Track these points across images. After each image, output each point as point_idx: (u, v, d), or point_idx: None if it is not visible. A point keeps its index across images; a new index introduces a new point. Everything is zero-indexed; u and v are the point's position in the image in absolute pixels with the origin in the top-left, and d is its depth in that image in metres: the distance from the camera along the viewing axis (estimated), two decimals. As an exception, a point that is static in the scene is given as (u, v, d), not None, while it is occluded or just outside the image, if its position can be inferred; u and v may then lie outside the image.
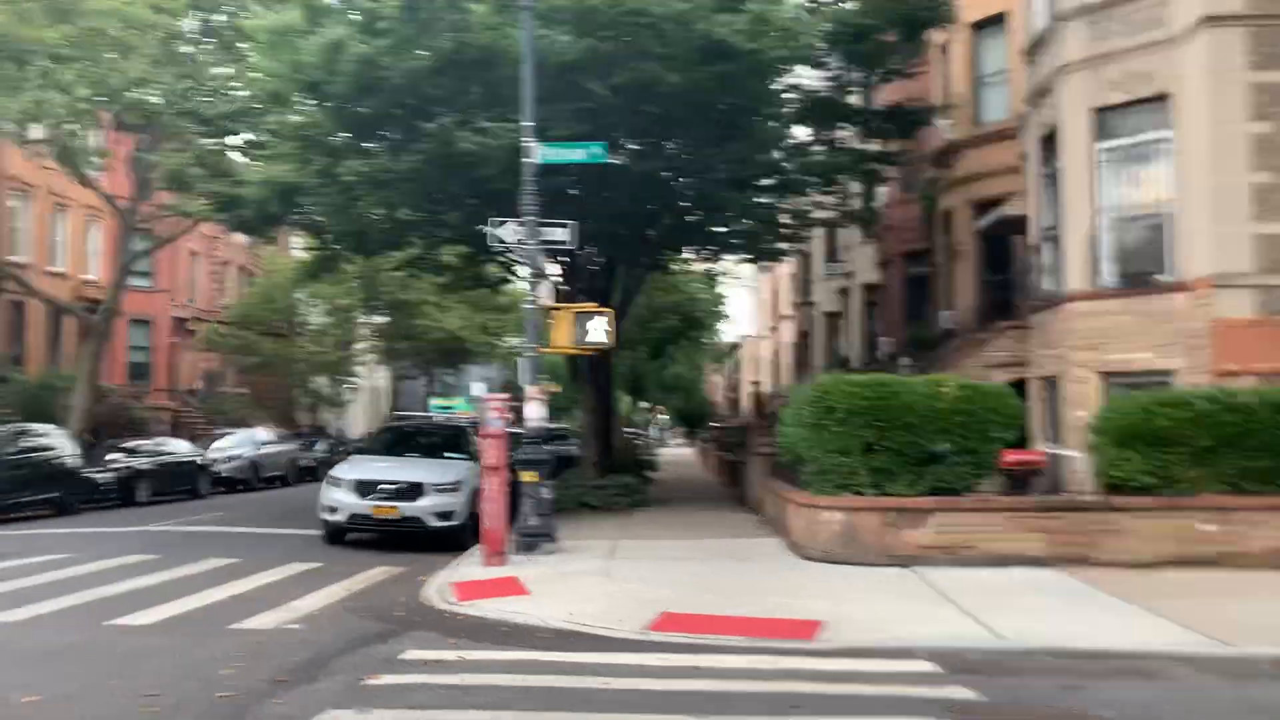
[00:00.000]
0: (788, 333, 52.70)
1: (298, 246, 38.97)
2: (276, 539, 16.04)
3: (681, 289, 42.93)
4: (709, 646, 7.98)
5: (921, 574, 10.94)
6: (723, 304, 50.22)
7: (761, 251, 21.84)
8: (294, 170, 16.77)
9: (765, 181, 18.30)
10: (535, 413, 12.93)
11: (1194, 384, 13.06)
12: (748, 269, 38.78)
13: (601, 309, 13.41)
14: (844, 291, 38.45)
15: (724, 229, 19.14)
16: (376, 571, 12.51)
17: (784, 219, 21.87)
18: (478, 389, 79.62)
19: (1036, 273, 16.83)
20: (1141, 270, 14.71)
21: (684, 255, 24.40)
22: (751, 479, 19.02)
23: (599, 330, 13.05)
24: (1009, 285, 21.36)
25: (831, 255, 42.45)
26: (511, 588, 10.50)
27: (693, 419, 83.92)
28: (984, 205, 21.46)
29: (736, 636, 8.24)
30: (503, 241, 13.19)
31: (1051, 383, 15.85)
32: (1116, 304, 14.78)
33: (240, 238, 49.95)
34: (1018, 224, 19.67)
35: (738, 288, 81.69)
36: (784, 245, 22.53)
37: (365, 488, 14.58)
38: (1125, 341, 14.54)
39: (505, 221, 13.20)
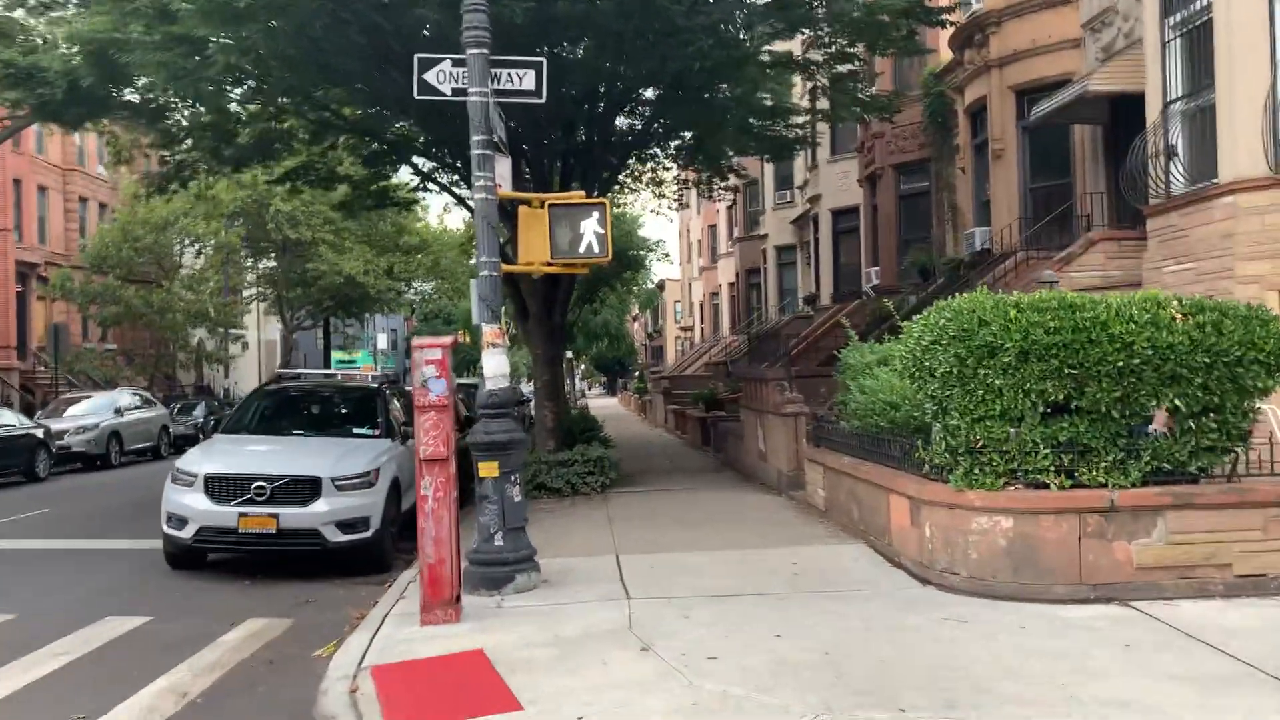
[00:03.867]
0: (727, 272, 48.27)
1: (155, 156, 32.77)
2: (101, 560, 10.90)
3: (617, 222, 38.12)
4: None
5: (1173, 622, 6.47)
6: (658, 242, 45.39)
7: (770, 144, 16.80)
8: (111, 21, 11.36)
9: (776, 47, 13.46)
10: (496, 366, 8.04)
11: None
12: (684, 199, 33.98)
13: (593, 200, 8.52)
14: (803, 220, 34.07)
15: (723, 104, 14.08)
16: (242, 633, 7.61)
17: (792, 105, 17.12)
18: (384, 340, 73.61)
19: (1157, 162, 12.45)
20: (1352, 144, 10.41)
21: (647, 161, 19.36)
22: (765, 447, 14.43)
23: (591, 233, 8.17)
24: (1067, 192, 17.07)
25: (782, 182, 38.06)
26: (484, 685, 5.71)
27: (615, 367, 79.47)
28: (1032, 91, 17.06)
29: None
30: (436, 92, 8.18)
31: (1194, 308, 11.52)
32: (1308, 193, 10.49)
33: (99, 169, 43.24)
34: (1090, 109, 15.32)
35: (668, 219, 76.25)
36: (790, 138, 17.60)
37: (227, 487, 9.52)
38: (1325, 246, 10.29)
39: (440, 60, 8.20)
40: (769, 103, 14.29)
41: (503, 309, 8.16)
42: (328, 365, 46.58)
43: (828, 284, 29.96)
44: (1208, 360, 7.12)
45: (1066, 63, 16.54)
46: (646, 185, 28.20)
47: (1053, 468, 7.23)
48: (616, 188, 24.63)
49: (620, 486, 14.38)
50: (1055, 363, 7.13)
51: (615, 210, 36.75)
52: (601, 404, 58.55)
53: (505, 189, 8.36)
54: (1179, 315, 7.21)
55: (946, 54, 22.37)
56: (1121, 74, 14.10)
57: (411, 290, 53.40)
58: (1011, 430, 7.30)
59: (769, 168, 37.76)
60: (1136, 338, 7.08)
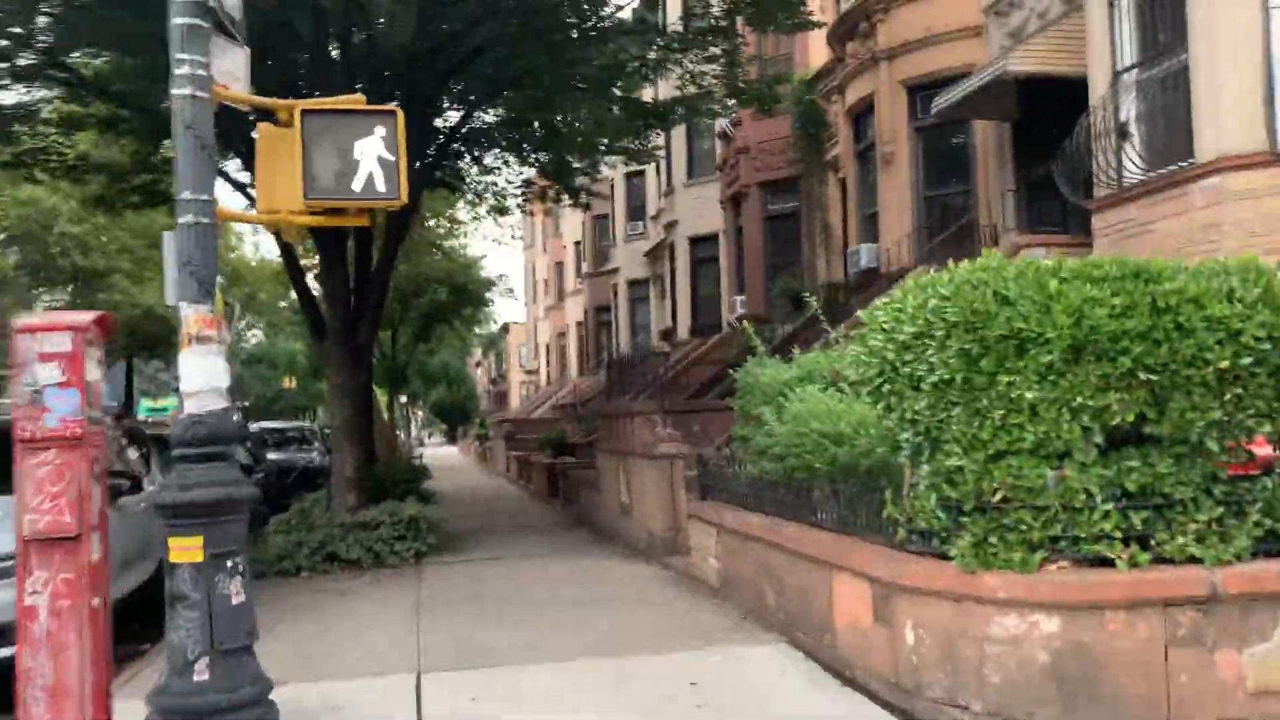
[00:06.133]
0: (575, 311, 45.41)
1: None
2: None
3: (453, 256, 34.88)
4: None
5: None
6: (500, 277, 42.27)
7: (632, 117, 14.00)
8: None
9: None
10: (204, 375, 4.78)
11: None
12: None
13: (377, 107, 5.37)
14: (658, 251, 31.58)
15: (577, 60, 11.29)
16: None
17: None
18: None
19: (1105, 145, 10.22)
20: (1368, 109, 8.31)
21: (481, 158, 16.22)
22: (629, 499, 11.42)
23: (374, 161, 5.05)
24: (967, 199, 14.94)
25: (634, 213, 35.63)
26: None
27: (455, 414, 75.20)
28: (927, 87, 14.88)
29: None
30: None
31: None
32: (1316, 171, 8.34)
33: None
34: (997, 101, 13.19)
35: (508, 243, 72.35)
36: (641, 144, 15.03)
37: None
38: (1341, 236, 8.12)
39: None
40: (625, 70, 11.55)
41: (218, 286, 4.90)
42: (130, 412, 41.30)
43: (685, 317, 27.42)
44: (1346, 356, 4.54)
45: (966, 53, 14.43)
46: (489, 211, 24.78)
47: (1118, 532, 4.49)
48: (452, 195, 21.54)
49: (443, 553, 11.12)
50: (1125, 362, 4.42)
51: (450, 239, 33.48)
52: (440, 452, 54.67)
53: (239, 89, 5.16)
54: (1287, 288, 4.62)
55: (817, 60, 20.33)
56: (1043, 54, 11.97)
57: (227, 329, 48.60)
58: (1051, 474, 4.54)
59: (620, 195, 35.34)
60: (1247, 323, 4.44)
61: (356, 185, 5.08)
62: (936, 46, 14.90)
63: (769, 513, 6.91)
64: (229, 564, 4.72)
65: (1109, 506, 4.49)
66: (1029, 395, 4.51)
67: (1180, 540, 4.50)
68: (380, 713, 5.31)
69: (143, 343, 40.81)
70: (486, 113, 13.24)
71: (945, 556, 4.77)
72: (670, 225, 28.75)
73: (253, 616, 4.88)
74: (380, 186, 5.10)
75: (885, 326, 5.06)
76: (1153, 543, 4.51)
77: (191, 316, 4.80)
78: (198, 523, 4.63)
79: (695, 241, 27.20)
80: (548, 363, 54.52)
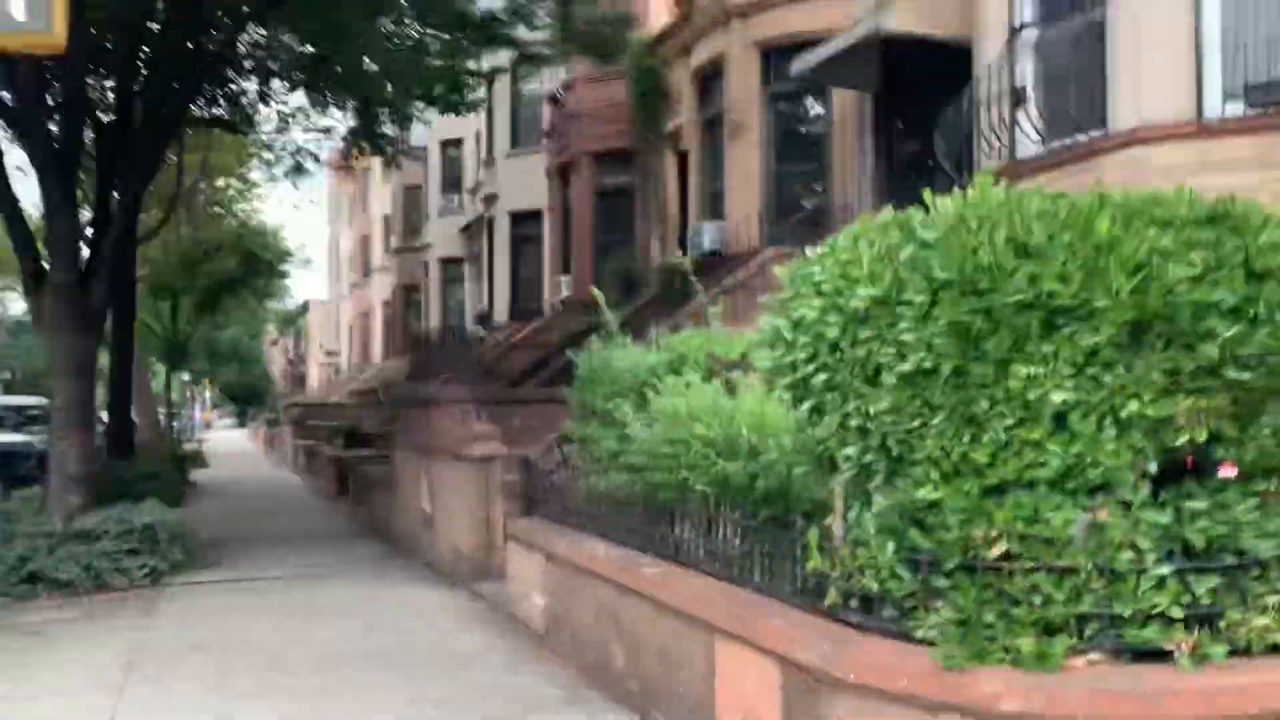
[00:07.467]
0: (382, 289, 42.46)
1: None
2: None
3: (246, 222, 31.56)
4: None
5: None
6: (300, 247, 38.86)
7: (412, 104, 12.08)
8: None
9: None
10: None
11: None
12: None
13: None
14: (476, 227, 29.39)
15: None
16: None
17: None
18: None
19: (996, 112, 8.98)
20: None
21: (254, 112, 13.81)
22: (432, 507, 9.41)
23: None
24: (822, 177, 13.66)
25: (450, 185, 33.29)
26: None
27: (247, 396, 70.22)
28: (784, 50, 13.51)
29: None
30: None
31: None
32: (1248, 146, 7.27)
33: None
34: (863, 68, 11.95)
35: (310, 215, 66.08)
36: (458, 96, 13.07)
37: None
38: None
39: None
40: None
41: None
42: None
43: (504, 299, 25.43)
44: None
45: (829, 16, 13.11)
46: (286, 173, 21.51)
47: (1178, 609, 2.96)
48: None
49: (193, 570, 8.84)
50: (1210, 351, 2.89)
51: (242, 202, 30.26)
52: (227, 436, 50.56)
53: None
54: None
55: (658, 23, 18.76)
56: (924, 11, 10.75)
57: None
58: (1082, 518, 2.97)
59: (435, 165, 32.95)
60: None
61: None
62: (797, 5, 13.56)
63: (620, 542, 5.15)
64: None
65: (1166, 570, 2.96)
66: (1057, 397, 2.93)
67: (1260, 621, 3.02)
68: None
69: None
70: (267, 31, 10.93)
71: (909, 637, 3.14)
72: (490, 199, 26.66)
73: None
74: (19, 13, 3.03)
75: (824, 288, 3.38)
76: (1221, 624, 3.02)
77: None
78: None
79: (517, 217, 25.22)
80: (350, 344, 51.17)
